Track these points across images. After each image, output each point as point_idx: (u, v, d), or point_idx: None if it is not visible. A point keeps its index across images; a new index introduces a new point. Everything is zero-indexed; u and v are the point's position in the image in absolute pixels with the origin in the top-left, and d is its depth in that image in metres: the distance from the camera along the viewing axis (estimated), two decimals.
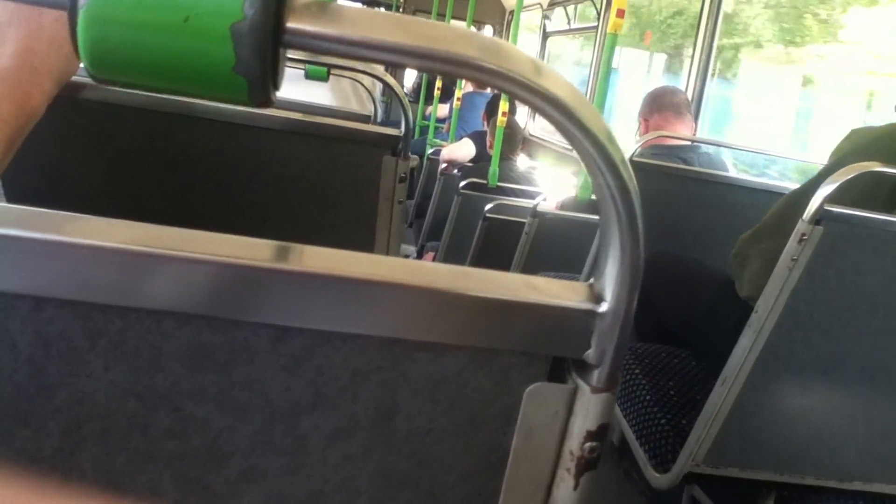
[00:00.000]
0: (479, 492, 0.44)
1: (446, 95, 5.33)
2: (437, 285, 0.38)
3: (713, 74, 3.06)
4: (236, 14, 0.29)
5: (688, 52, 3.24)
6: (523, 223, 2.06)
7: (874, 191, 1.23)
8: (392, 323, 0.38)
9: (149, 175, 1.07)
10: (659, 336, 1.75)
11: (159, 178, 1.07)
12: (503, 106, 3.10)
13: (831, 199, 1.07)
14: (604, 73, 2.23)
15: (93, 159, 1.04)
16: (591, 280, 0.41)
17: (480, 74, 0.33)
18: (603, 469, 0.43)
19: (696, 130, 2.57)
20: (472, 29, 5.41)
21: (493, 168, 2.81)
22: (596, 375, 0.41)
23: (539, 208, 2.00)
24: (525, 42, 5.37)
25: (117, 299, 0.35)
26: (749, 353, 1.17)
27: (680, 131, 2.36)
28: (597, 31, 4.16)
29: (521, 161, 3.39)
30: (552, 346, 0.41)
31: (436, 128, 4.86)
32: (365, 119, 1.67)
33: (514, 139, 3.24)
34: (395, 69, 4.33)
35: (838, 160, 1.33)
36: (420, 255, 3.52)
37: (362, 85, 1.90)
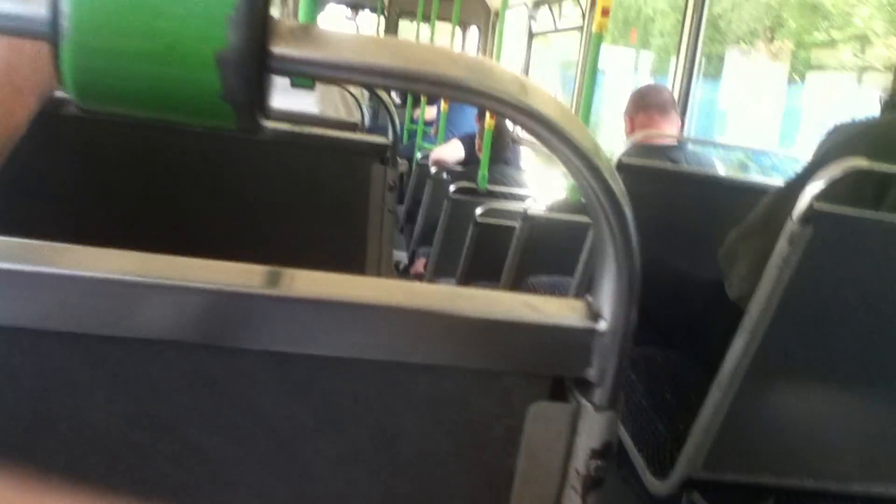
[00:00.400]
0: None
1: (433, 98, 5.32)
2: (435, 307, 0.38)
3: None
4: (220, 41, 0.29)
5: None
6: (514, 227, 2.06)
7: (861, 187, 1.22)
8: (392, 346, 0.38)
9: (134, 187, 1.06)
10: (654, 340, 1.75)
11: (145, 190, 1.06)
12: None
13: (819, 197, 1.07)
14: (590, 73, 2.23)
15: (76, 172, 1.03)
16: (589, 297, 0.41)
17: (468, 95, 0.33)
18: None
19: (681, 128, 2.58)
20: (457, 31, 5.41)
21: (483, 171, 2.81)
22: (598, 394, 0.41)
23: (529, 212, 2.00)
24: (510, 43, 5.36)
25: (116, 330, 0.35)
26: (743, 356, 1.17)
27: (665, 129, 2.38)
28: (582, 31, 4.17)
29: (511, 163, 3.39)
30: (552, 365, 0.41)
31: (424, 131, 4.85)
32: (352, 127, 1.66)
33: (503, 142, 3.24)
34: None
35: (823, 156, 1.32)
36: (412, 261, 3.52)
37: (349, 92, 1.90)
